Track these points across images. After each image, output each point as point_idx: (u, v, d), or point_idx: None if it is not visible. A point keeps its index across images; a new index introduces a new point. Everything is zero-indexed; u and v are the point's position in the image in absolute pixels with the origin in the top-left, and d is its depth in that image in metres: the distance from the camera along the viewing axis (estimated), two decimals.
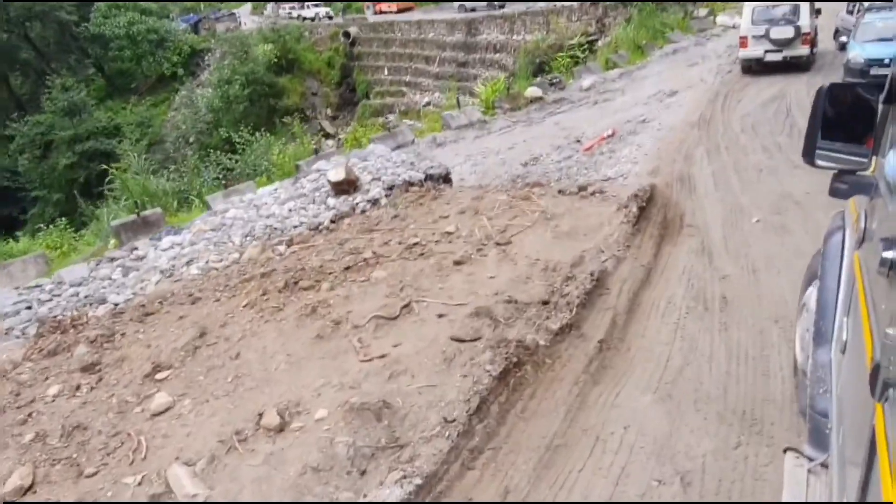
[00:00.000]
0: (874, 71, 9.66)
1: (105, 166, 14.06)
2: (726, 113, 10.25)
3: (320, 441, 3.08)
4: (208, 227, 7.57)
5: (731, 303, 4.39)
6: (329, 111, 34.25)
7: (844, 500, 1.56)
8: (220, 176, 18.33)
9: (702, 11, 20.59)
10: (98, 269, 6.75)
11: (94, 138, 30.07)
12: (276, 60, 33.02)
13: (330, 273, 5.33)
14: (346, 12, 42.76)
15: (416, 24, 34.18)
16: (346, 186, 8.05)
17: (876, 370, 1.28)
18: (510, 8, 30.02)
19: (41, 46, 38.81)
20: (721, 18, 19.39)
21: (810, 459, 2.13)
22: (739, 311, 4.25)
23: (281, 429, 3.25)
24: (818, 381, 2.28)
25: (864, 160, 2.24)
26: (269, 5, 45.60)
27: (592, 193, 7.01)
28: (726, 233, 5.71)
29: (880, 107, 2.19)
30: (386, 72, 33.68)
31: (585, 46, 20.62)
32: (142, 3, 38.45)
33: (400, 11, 39.71)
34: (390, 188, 8.20)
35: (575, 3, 24.82)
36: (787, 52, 12.51)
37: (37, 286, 6.62)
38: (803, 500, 2.02)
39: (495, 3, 32.47)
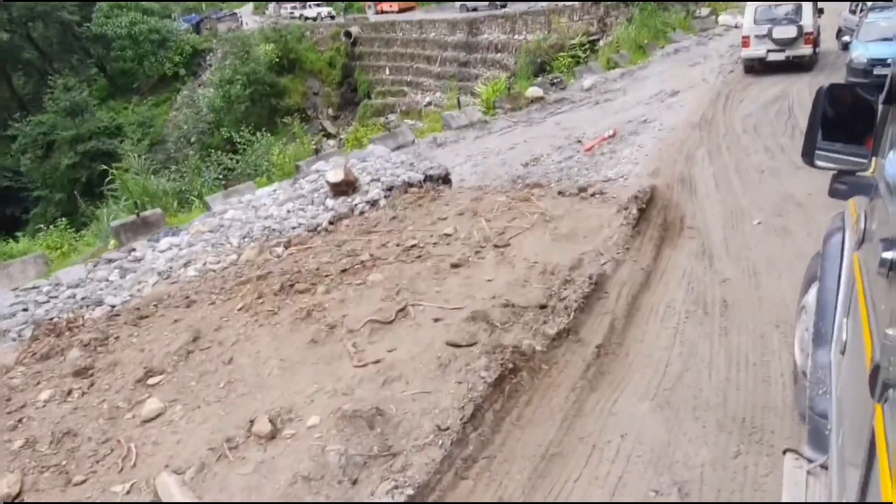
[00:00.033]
0: (877, 71, 9.58)
1: (104, 167, 14.03)
2: (728, 113, 10.17)
3: (312, 449, 3.03)
4: (206, 228, 7.53)
5: (731, 307, 4.33)
6: (330, 111, 34.21)
7: (844, 502, 1.54)
8: (221, 176, 18.32)
9: (704, 11, 20.50)
10: (95, 271, 6.72)
11: (95, 138, 30.07)
12: (277, 60, 33.00)
13: (326, 276, 5.28)
14: (348, 12, 42.73)
15: (418, 23, 34.12)
16: (345, 187, 8.00)
17: (875, 371, 1.27)
18: (512, 7, 29.94)
19: (44, 46, 38.86)
20: (723, 18, 19.30)
21: (809, 461, 2.10)
22: (740, 316, 4.19)
23: (272, 436, 3.20)
24: (818, 382, 2.27)
25: (864, 161, 2.22)
26: (271, 5, 45.61)
27: (592, 195, 6.95)
28: (727, 235, 5.65)
29: (880, 107, 2.17)
30: (387, 71, 33.63)
31: (587, 46, 20.54)
32: (144, 3, 38.48)
33: (401, 11, 39.67)
34: (389, 189, 8.16)
35: (576, 3, 24.73)
36: (790, 52, 12.44)
37: (34, 288, 6.58)
38: (803, 501, 2.00)
39: (497, 2, 32.39)
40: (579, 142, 10.31)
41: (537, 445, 3.06)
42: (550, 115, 13.08)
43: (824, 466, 2.04)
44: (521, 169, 9.84)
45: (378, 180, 8.40)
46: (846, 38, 13.11)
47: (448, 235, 6.08)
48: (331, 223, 7.33)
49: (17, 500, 3.05)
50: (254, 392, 3.62)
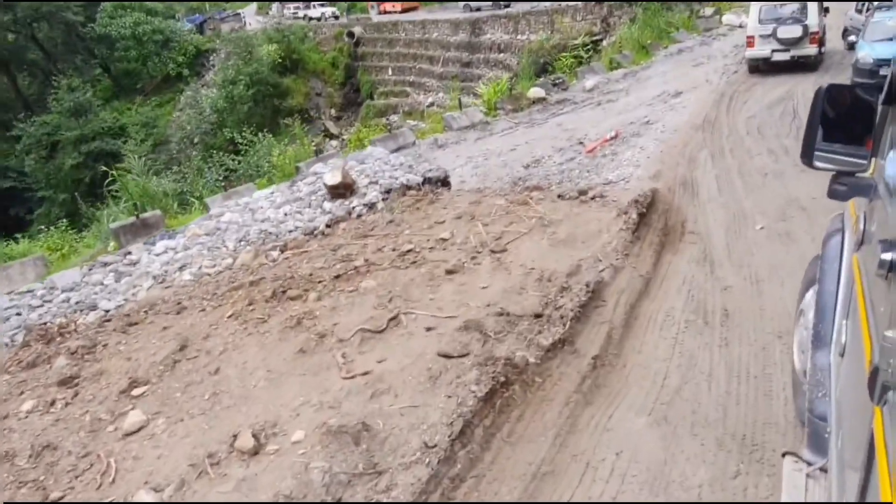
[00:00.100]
0: (884, 71, 9.40)
1: (105, 168, 13.99)
2: (731, 114, 10.03)
3: (295, 466, 2.93)
4: (203, 231, 7.46)
5: (732, 316, 4.21)
6: (333, 111, 34.13)
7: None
8: (223, 177, 18.28)
9: (708, 10, 20.33)
10: (90, 275, 6.65)
11: (99, 139, 30.11)
12: (280, 61, 32.93)
13: (319, 282, 5.19)
14: (351, 12, 42.67)
15: (420, 23, 34.02)
16: (343, 190, 7.91)
17: (875, 373, 1.27)
18: (515, 7, 29.81)
19: (48, 47, 38.93)
20: (727, 17, 19.12)
21: (809, 464, 2.08)
22: (741, 326, 4.07)
23: (255, 452, 3.10)
24: (817, 385, 2.23)
25: (864, 162, 2.21)
26: (274, 5, 45.59)
27: (592, 198, 6.83)
28: (729, 240, 5.52)
29: (879, 108, 2.14)
30: (390, 72, 33.54)
31: (589, 46, 20.39)
32: (147, 3, 38.51)
33: (404, 11, 39.57)
34: (387, 192, 8.06)
35: (579, 3, 24.58)
36: (795, 52, 12.27)
37: (28, 291, 6.51)
38: (802, 502, 1.97)
39: (501, 2, 32.25)
40: (581, 143, 10.19)
41: (528, 464, 2.95)
42: (552, 116, 12.96)
43: (824, 469, 2.01)
44: (521, 171, 9.73)
45: (376, 183, 8.30)
46: (852, 38, 12.92)
47: (445, 240, 5.98)
48: (328, 226, 7.25)
49: None
50: (239, 404, 3.52)
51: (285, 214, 7.67)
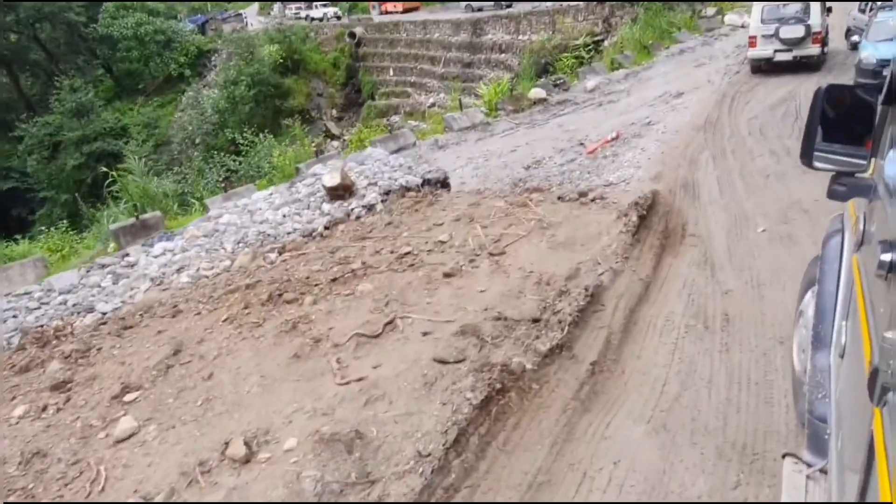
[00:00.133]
0: (887, 72, 9.30)
1: (105, 169, 13.97)
2: (733, 115, 9.95)
3: (287, 475, 2.88)
4: (201, 232, 7.42)
5: (733, 321, 4.14)
6: (334, 112, 34.09)
7: None
8: (222, 178, 18.25)
9: (710, 10, 20.23)
10: (88, 276, 6.61)
11: (101, 139, 30.09)
12: (281, 61, 32.90)
13: (316, 285, 5.14)
14: (352, 12, 42.61)
15: (422, 24, 33.96)
16: (342, 191, 7.86)
17: (874, 374, 1.26)
18: (516, 8, 29.74)
19: (51, 47, 38.98)
20: (729, 17, 19.03)
21: (809, 465, 2.08)
22: (742, 331, 4.01)
23: (247, 460, 3.05)
24: (817, 386, 2.22)
25: (863, 162, 2.20)
26: (276, 6, 45.55)
27: (593, 200, 6.78)
28: (730, 243, 5.45)
29: (879, 108, 2.13)
30: (391, 72, 33.49)
31: (591, 47, 20.32)
32: (149, 3, 38.51)
33: (406, 11, 39.50)
34: (387, 193, 8.02)
35: (581, 3, 24.50)
36: (798, 52, 12.19)
37: (25, 293, 6.48)
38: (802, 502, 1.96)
39: (502, 2, 32.17)
40: (582, 144, 10.12)
41: (524, 473, 2.89)
42: (553, 117, 12.89)
43: (824, 471, 2.00)
44: (522, 172, 9.66)
45: (375, 184, 8.25)
46: (855, 38, 12.83)
47: (443, 242, 5.93)
48: (326, 228, 7.20)
49: None
50: (231, 411, 3.47)
51: (284, 216, 7.62)
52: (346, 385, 3.54)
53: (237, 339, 4.30)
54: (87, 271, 6.72)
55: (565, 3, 25.48)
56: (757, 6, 12.89)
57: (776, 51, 12.23)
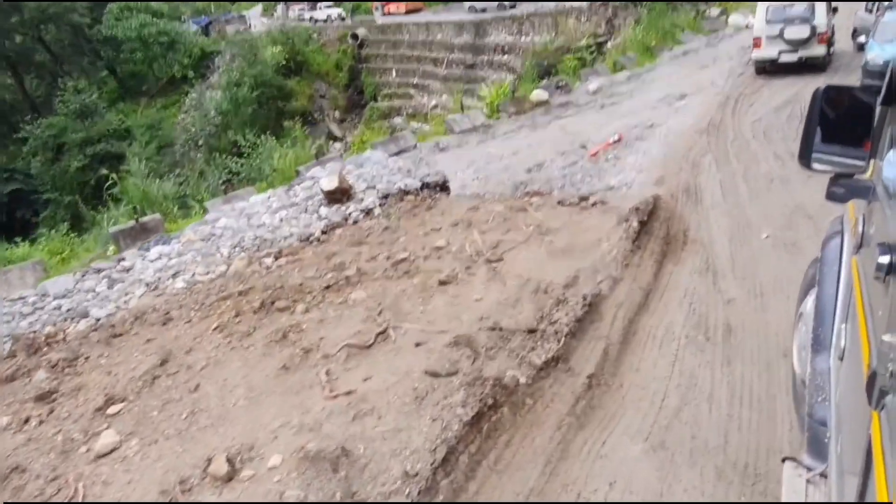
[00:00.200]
0: None
1: (106, 171, 13.94)
2: (737, 118, 9.81)
3: (269, 495, 2.78)
4: (198, 237, 7.35)
5: (735, 332, 4.02)
6: (337, 114, 34.00)
7: None
8: (224, 180, 18.20)
9: (714, 11, 20.07)
10: (83, 281, 6.54)
11: (105, 141, 30.08)
12: (284, 63, 32.85)
13: (309, 292, 5.04)
14: (355, 14, 42.56)
15: (424, 25, 33.86)
16: (340, 195, 7.77)
17: (872, 377, 1.26)
18: (519, 9, 29.60)
19: (55, 49, 39.05)
20: (734, 18, 18.86)
21: (809, 469, 2.05)
22: (744, 342, 3.88)
23: (229, 478, 2.95)
24: (817, 389, 2.18)
25: (862, 163, 2.19)
26: (279, 7, 45.55)
27: (593, 204, 6.67)
28: (733, 250, 5.32)
29: (878, 109, 2.09)
30: (394, 74, 33.40)
31: (593, 48, 20.18)
32: (153, 4, 38.57)
33: (408, 13, 39.38)
34: (385, 197, 7.92)
35: (584, 4, 24.36)
36: (803, 53, 12.02)
37: (20, 298, 6.41)
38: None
39: (505, 3, 32.05)
40: (584, 147, 10.00)
41: (516, 494, 2.78)
42: (555, 119, 12.77)
43: (824, 475, 1.98)
44: (523, 175, 9.54)
45: (374, 188, 8.16)
46: (862, 39, 12.65)
47: (440, 248, 5.82)
48: (323, 232, 7.11)
49: None
50: (216, 425, 3.37)
51: (281, 220, 7.54)
52: (334, 399, 3.43)
53: (226, 349, 4.20)
54: (83, 276, 6.65)
55: (568, 5, 25.36)
56: (761, 6, 12.73)
57: (781, 52, 12.07)
